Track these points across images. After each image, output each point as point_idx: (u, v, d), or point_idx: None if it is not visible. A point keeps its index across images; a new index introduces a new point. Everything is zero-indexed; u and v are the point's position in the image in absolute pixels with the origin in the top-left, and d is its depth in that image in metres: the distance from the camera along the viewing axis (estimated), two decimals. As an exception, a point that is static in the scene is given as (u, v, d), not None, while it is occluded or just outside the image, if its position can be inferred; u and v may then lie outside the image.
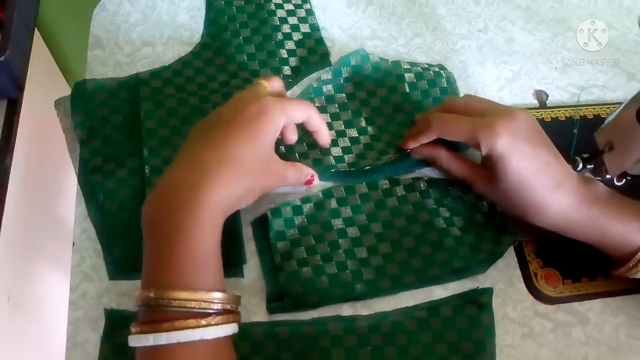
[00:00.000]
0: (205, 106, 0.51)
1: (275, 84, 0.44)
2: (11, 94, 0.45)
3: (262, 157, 0.39)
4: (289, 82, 0.53)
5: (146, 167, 0.47)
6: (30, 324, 0.45)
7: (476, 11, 0.61)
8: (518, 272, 0.47)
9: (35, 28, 0.53)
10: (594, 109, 0.56)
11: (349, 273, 0.44)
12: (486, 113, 0.43)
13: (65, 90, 0.52)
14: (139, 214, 0.46)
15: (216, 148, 0.38)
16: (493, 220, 0.48)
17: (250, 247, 0.46)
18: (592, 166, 0.46)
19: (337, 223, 0.47)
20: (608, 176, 0.45)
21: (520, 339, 0.44)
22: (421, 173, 0.50)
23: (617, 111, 0.42)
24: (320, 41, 0.56)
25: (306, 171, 0.46)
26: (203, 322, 0.33)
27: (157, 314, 0.34)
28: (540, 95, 0.56)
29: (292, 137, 0.46)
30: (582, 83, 0.57)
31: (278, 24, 0.56)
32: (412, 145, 0.48)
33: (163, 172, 0.47)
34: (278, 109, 0.40)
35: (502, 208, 0.47)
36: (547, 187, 0.41)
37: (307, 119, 0.44)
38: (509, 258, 0.47)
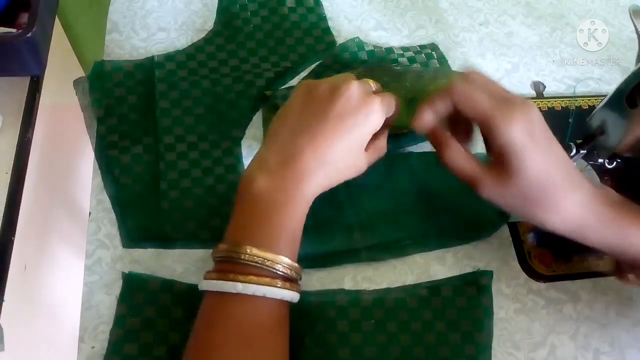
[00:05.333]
0: (216, 89, 0.53)
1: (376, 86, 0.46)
2: (34, 72, 0.48)
3: (354, 157, 0.42)
4: (296, 69, 0.56)
5: (159, 144, 0.49)
6: (45, 290, 0.47)
7: (477, 5, 0.63)
8: (512, 251, 0.49)
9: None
10: (589, 100, 0.58)
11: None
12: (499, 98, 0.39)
13: (80, 73, 0.54)
14: (153, 187, 0.48)
15: (318, 150, 0.40)
16: None
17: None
18: (585, 151, 0.48)
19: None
20: (600, 160, 0.48)
21: (513, 313, 0.46)
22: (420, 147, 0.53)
23: (609, 96, 0.44)
24: (327, 30, 0.59)
25: (383, 150, 0.47)
26: (283, 284, 0.38)
27: (245, 267, 0.37)
28: (538, 86, 0.58)
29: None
30: (579, 76, 0.60)
31: (287, 13, 0.59)
32: (427, 116, 0.41)
33: (176, 148, 0.50)
34: (382, 114, 0.42)
35: (511, 211, 0.42)
36: (561, 186, 0.39)
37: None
38: (504, 237, 0.49)
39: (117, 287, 0.44)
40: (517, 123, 0.37)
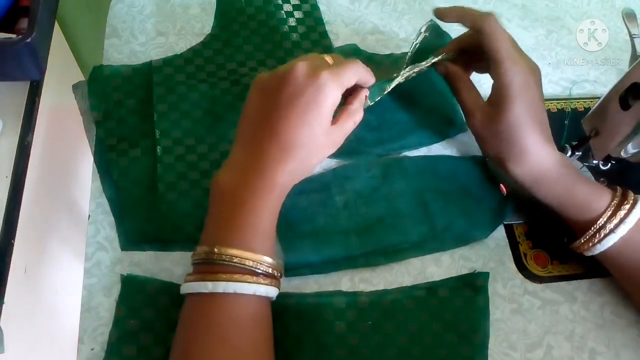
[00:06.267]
0: (214, 92, 0.54)
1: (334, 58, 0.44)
2: (34, 76, 0.48)
3: (321, 135, 0.41)
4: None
5: (158, 147, 0.50)
6: (45, 292, 0.48)
7: (474, 9, 0.64)
8: (508, 252, 0.49)
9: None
10: (585, 102, 0.58)
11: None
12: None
13: (79, 77, 0.55)
14: (151, 190, 0.49)
15: (276, 137, 0.39)
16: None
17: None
18: (580, 153, 0.49)
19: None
20: (594, 161, 0.48)
21: (509, 314, 0.46)
22: (430, 149, 0.53)
23: (602, 98, 0.45)
24: (324, 34, 0.59)
25: (358, 114, 0.44)
26: (256, 279, 0.38)
27: (216, 267, 0.38)
28: (534, 88, 0.59)
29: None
30: (574, 78, 0.60)
31: (284, 17, 0.59)
32: (450, 12, 0.49)
33: (174, 151, 0.50)
34: (334, 86, 0.40)
35: (485, 150, 0.48)
36: (539, 136, 0.44)
37: (357, 80, 0.43)
38: (500, 239, 0.50)
39: (116, 290, 0.45)
40: (523, 73, 0.44)
